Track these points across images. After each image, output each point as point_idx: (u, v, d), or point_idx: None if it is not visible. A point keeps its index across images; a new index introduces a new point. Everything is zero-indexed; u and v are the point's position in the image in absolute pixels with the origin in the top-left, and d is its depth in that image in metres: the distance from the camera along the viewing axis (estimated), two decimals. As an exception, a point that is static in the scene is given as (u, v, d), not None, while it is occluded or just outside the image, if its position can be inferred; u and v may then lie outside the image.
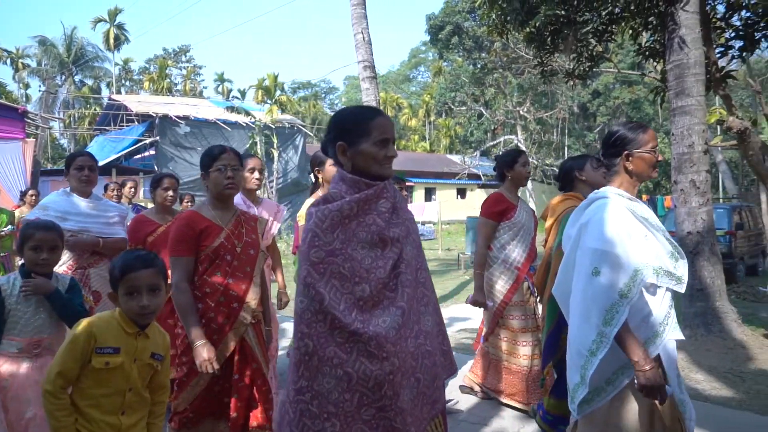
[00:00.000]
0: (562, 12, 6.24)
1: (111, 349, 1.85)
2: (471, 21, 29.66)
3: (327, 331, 1.66)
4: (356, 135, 1.76)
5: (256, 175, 3.51)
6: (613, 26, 6.85)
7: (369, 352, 1.66)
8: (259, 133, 23.81)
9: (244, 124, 24.04)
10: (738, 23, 6.83)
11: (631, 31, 6.86)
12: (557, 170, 3.47)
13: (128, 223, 3.61)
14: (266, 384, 2.59)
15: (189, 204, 7.12)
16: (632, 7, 6.04)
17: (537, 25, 6.36)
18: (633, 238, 2.00)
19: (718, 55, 6.89)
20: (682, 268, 2.07)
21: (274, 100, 26.93)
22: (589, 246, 2.02)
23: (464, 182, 31.43)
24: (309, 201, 3.30)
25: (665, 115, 25.03)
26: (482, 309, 3.77)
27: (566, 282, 2.13)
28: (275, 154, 23.98)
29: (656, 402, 1.93)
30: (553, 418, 2.96)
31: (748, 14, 6.49)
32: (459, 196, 32.12)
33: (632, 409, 1.98)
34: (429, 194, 30.44)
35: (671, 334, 2.04)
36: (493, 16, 7.13)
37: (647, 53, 7.16)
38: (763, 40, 6.73)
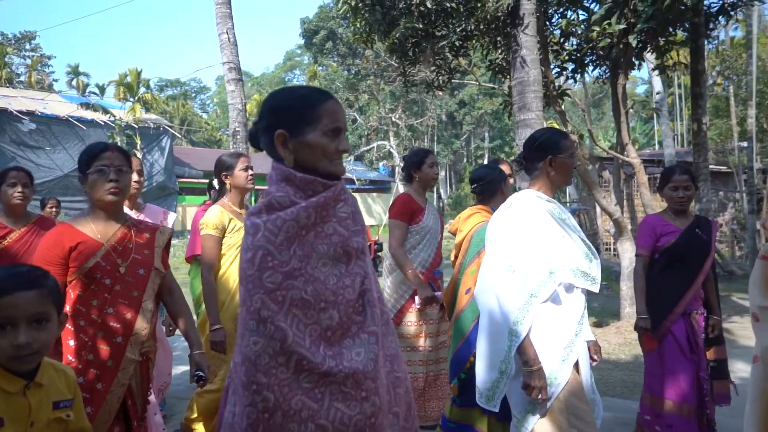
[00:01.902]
0: (420, 26, 6.58)
1: None
2: (345, 27, 30.12)
3: (291, 376, 1.34)
4: (301, 122, 1.43)
5: (135, 176, 3.13)
6: (467, 43, 7.37)
7: (345, 393, 1.37)
8: (120, 133, 22.08)
9: (102, 123, 22.13)
10: (571, 48, 7.70)
11: (482, 49, 7.45)
12: (471, 179, 3.32)
13: None
14: None
15: (53, 210, 6.35)
16: (482, 27, 6.55)
17: (397, 36, 6.65)
18: (550, 240, 2.04)
19: (555, 75, 7.73)
20: (596, 269, 2.12)
21: (137, 98, 25.12)
22: (505, 245, 2.05)
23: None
24: (216, 209, 3.02)
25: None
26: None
27: (485, 284, 2.12)
28: (139, 155, 22.38)
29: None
30: (455, 425, 2.93)
31: (578, 41, 7.36)
32: (335, 200, 32.28)
33: (588, 413, 2.03)
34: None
35: (585, 334, 2.10)
36: (358, 25, 7.32)
37: (497, 69, 7.81)
38: (590, 64, 7.66)
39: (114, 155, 2.09)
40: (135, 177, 3.15)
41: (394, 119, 29.37)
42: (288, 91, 1.51)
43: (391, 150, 28.43)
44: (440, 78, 8.03)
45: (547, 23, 7.59)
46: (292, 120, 1.43)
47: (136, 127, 22.60)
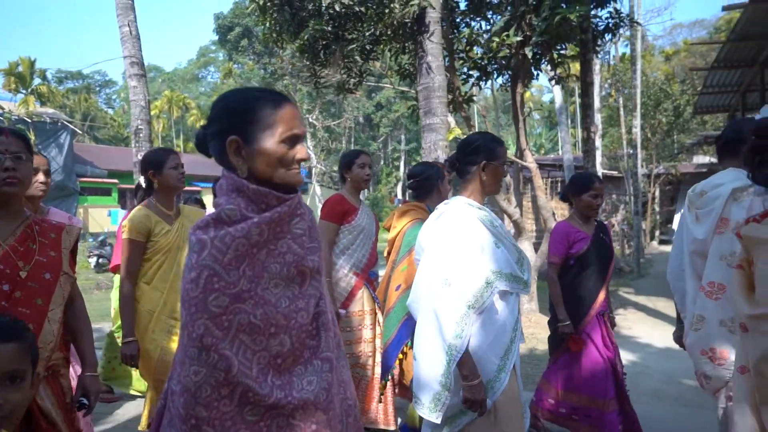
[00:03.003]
0: (330, 28, 6.64)
1: None
2: (258, 25, 29.54)
3: (234, 409, 1.22)
4: (256, 128, 1.30)
5: (41, 177, 2.74)
6: (377, 47, 7.52)
7: (292, 426, 1.28)
8: (10, 127, 20.28)
9: (-12, 116, 20.25)
10: (476, 56, 8.08)
11: (391, 53, 7.64)
12: (409, 175, 3.24)
13: None
14: None
15: None
16: (389, 32, 6.72)
17: (307, 38, 6.67)
18: (485, 249, 2.01)
19: (462, 81, 8.08)
20: (527, 273, 2.12)
21: (30, 90, 23.25)
22: (440, 257, 1.99)
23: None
24: (141, 211, 2.79)
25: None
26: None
27: (420, 294, 2.08)
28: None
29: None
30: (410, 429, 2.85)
31: (481, 50, 7.73)
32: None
33: (518, 416, 2.04)
34: (202, 204, 29.32)
35: (519, 338, 2.11)
36: (268, 25, 7.26)
37: (405, 74, 8.03)
38: (494, 72, 8.07)
39: (9, 140, 1.82)
40: (41, 178, 2.75)
41: (311, 120, 29.21)
42: (242, 93, 1.38)
43: (309, 150, 28.26)
44: (351, 80, 8.13)
45: (455, 31, 7.91)
46: (246, 125, 1.31)
47: (30, 121, 20.87)
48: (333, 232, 3.33)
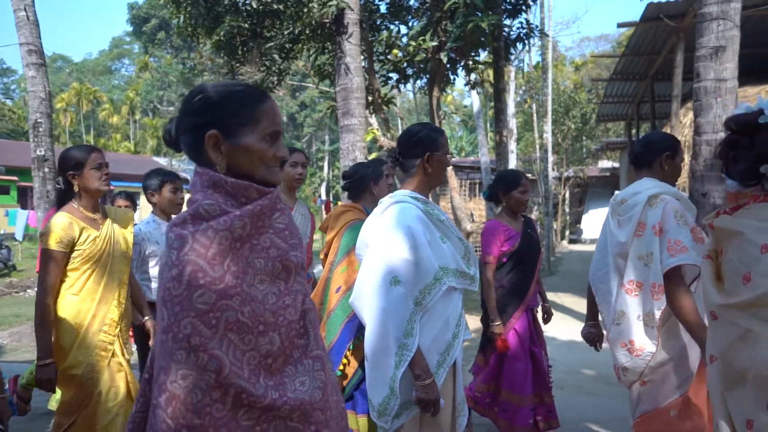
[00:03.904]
0: (247, 25, 6.52)
1: None
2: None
3: (228, 414, 1.15)
4: (237, 123, 1.26)
5: None
6: (296, 46, 7.48)
7: (291, 429, 1.22)
8: None
9: None
10: (395, 59, 8.23)
11: (309, 53, 7.62)
12: (343, 175, 3.14)
13: None
14: None
15: None
16: (308, 32, 6.70)
17: (223, 34, 6.51)
18: (432, 244, 1.97)
19: (381, 83, 8.19)
20: (474, 268, 2.10)
21: None
22: (387, 254, 1.93)
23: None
24: (62, 217, 2.51)
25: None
26: None
27: (365, 292, 2.02)
28: None
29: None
30: None
31: (402, 53, 7.88)
32: (168, 202, 30.28)
33: (442, 419, 2.00)
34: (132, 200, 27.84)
35: (463, 335, 2.09)
36: (182, 18, 7.01)
37: (324, 74, 8.04)
38: (413, 75, 8.26)
39: None
40: None
41: (232, 118, 28.43)
42: (222, 87, 1.33)
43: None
44: (270, 79, 8.03)
45: (375, 34, 8.01)
46: (226, 120, 1.26)
47: None
48: None
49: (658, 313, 2.18)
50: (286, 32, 6.77)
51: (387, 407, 1.92)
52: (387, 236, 1.97)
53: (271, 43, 6.95)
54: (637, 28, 7.94)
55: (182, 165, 30.48)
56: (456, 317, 2.04)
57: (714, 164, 5.00)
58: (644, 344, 2.23)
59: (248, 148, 1.26)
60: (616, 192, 2.56)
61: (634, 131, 11.53)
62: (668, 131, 7.77)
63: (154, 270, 3.37)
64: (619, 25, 7.95)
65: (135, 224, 3.03)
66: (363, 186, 3.03)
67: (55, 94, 45.19)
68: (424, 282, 1.93)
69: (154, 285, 3.34)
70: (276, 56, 7.44)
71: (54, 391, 2.46)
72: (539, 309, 3.46)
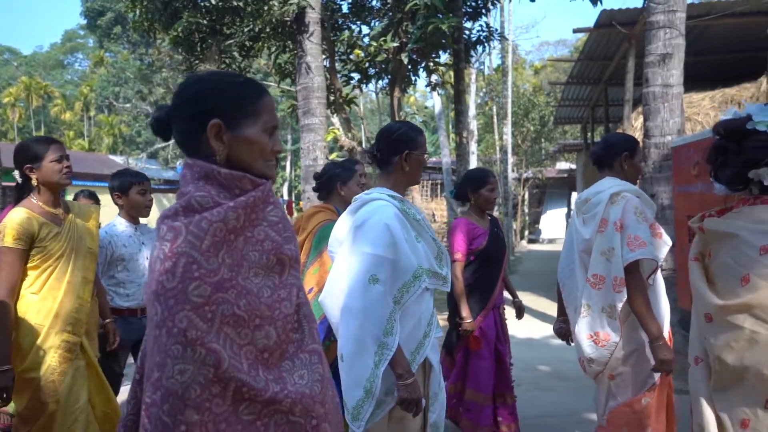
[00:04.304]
0: (206, 21, 6.42)
1: None
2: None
3: (228, 409, 1.13)
4: (241, 114, 1.25)
5: None
6: (256, 44, 7.40)
7: (293, 424, 1.20)
8: None
9: None
10: (357, 59, 8.23)
11: (270, 51, 7.55)
12: (315, 174, 3.06)
13: None
14: None
15: None
16: (269, 30, 6.63)
17: (181, 30, 6.38)
18: (409, 242, 1.96)
19: (343, 83, 8.19)
20: (446, 268, 2.10)
21: None
22: (365, 251, 1.91)
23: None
24: (19, 213, 2.39)
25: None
26: None
27: (337, 290, 1.99)
28: None
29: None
30: None
31: (362, 54, 7.89)
32: (124, 201, 29.38)
33: (410, 417, 1.97)
34: (95, 199, 26.93)
35: (434, 333, 2.09)
36: (138, 12, 6.84)
37: (285, 73, 7.98)
38: (375, 76, 8.28)
39: None
40: None
41: (192, 116, 27.85)
42: (223, 76, 1.33)
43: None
44: (230, 77, 7.91)
45: (337, 33, 8.00)
46: (229, 111, 1.24)
47: None
48: None
49: (619, 306, 2.28)
50: (246, 29, 6.68)
51: (361, 410, 1.90)
52: (364, 234, 1.94)
53: (231, 41, 6.86)
54: (592, 34, 8.19)
55: (140, 164, 29.68)
56: (428, 317, 2.04)
57: (663, 166, 5.22)
58: (608, 335, 2.33)
59: (250, 140, 1.25)
60: (579, 192, 2.69)
61: (589, 134, 11.88)
62: (621, 134, 8.04)
63: (122, 275, 3.25)
64: (575, 31, 8.17)
65: (100, 226, 2.91)
66: (329, 186, 3.00)
67: (2, 88, 43.31)
68: (402, 280, 1.92)
69: (122, 290, 3.22)
70: (236, 54, 7.33)
71: (9, 402, 2.32)
72: (505, 307, 3.48)
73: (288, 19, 6.24)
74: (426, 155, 2.13)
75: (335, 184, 2.97)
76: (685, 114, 7.30)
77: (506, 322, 3.48)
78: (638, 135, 7.00)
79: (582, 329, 2.43)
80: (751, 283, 1.31)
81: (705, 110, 7.84)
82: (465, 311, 3.18)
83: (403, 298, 1.92)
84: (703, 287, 1.46)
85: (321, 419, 1.25)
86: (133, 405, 1.24)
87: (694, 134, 4.72)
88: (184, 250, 1.13)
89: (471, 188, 3.35)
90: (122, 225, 3.31)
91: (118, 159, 32.10)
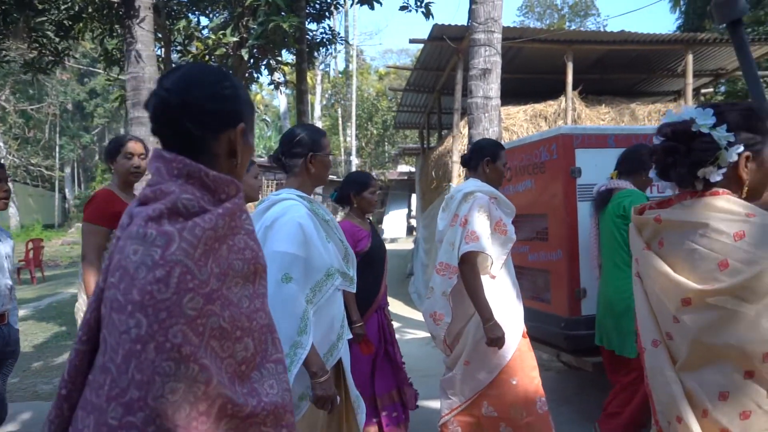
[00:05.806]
0: (11, -6, 5.65)
1: None
2: None
3: (212, 426, 1.06)
4: (252, 121, 1.26)
5: None
6: (77, 24, 6.67)
7: None
8: None
9: None
10: (196, 51, 7.84)
11: (93, 34, 6.86)
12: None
13: None
14: None
15: None
16: (91, 10, 6.04)
17: (-22, 0, 5.53)
18: (319, 242, 1.97)
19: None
20: (353, 269, 2.16)
21: None
22: (277, 250, 1.89)
23: None
24: None
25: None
26: None
27: None
28: None
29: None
30: None
31: (204, 46, 7.54)
32: None
33: (320, 414, 1.98)
34: None
35: (346, 335, 2.12)
36: None
37: (113, 60, 7.32)
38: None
39: None
40: None
41: (0, 102, 24.11)
42: (224, 75, 1.24)
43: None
44: (45, 59, 7.02)
45: (174, 22, 7.53)
46: (249, 118, 1.24)
47: None
48: (102, 236, 2.79)
49: (449, 291, 2.69)
50: (63, 7, 6.00)
51: None
52: (275, 232, 1.94)
53: (44, 18, 6.10)
54: (426, 45, 8.78)
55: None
56: (340, 318, 2.08)
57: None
58: (443, 315, 2.74)
59: (250, 148, 1.26)
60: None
61: (426, 140, 12.68)
62: (451, 141, 8.75)
63: None
64: (411, 41, 8.70)
65: None
66: None
67: None
68: (315, 279, 1.94)
69: None
70: (50, 34, 6.54)
71: None
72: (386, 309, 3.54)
73: (114, 1, 5.74)
74: (330, 155, 2.20)
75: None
76: (503, 124, 8.19)
77: (391, 321, 3.52)
78: (465, 141, 7.68)
79: (427, 309, 2.83)
80: (731, 268, 1.37)
81: (519, 122, 8.87)
82: (355, 315, 3.17)
83: (316, 297, 1.95)
84: (672, 273, 1.48)
85: (291, 427, 1.25)
86: (56, 425, 1.10)
87: (511, 141, 5.32)
88: (179, 258, 1.04)
89: (354, 191, 3.40)
90: None
91: None
